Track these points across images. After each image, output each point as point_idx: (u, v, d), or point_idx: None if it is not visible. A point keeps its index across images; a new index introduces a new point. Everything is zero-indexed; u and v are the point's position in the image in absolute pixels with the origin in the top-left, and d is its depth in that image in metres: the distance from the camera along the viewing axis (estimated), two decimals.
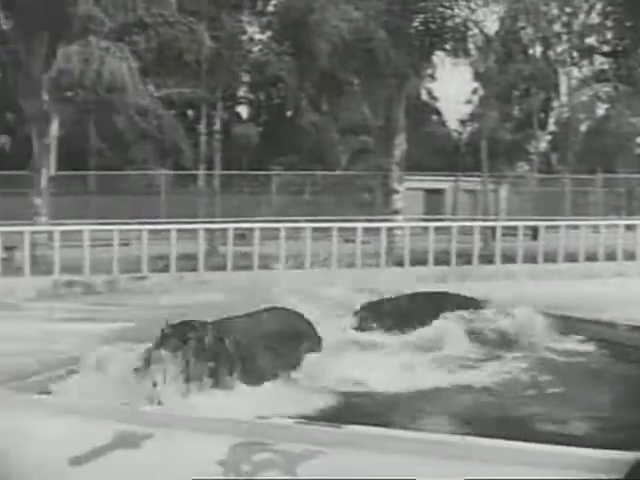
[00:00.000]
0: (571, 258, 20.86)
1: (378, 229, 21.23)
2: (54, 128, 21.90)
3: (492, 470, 5.82)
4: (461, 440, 6.57)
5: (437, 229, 21.72)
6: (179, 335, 7.48)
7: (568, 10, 32.63)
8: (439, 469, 5.88)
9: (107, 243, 18.95)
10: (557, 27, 33.24)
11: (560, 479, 5.74)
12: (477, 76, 35.12)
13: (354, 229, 20.49)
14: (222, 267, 19.09)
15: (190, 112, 33.25)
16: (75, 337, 11.80)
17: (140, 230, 19.35)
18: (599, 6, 31.46)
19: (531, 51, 34.68)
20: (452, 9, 24.59)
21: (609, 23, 28.01)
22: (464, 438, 6.67)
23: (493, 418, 6.14)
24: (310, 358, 6.86)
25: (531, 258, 20.89)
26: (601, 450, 6.29)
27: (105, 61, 19.91)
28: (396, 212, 25.45)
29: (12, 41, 20.61)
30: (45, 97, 20.86)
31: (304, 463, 6.06)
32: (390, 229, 22.49)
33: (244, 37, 28.64)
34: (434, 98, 44.62)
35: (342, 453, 6.19)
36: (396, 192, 25.69)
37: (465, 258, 20.60)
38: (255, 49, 28.19)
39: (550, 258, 20.82)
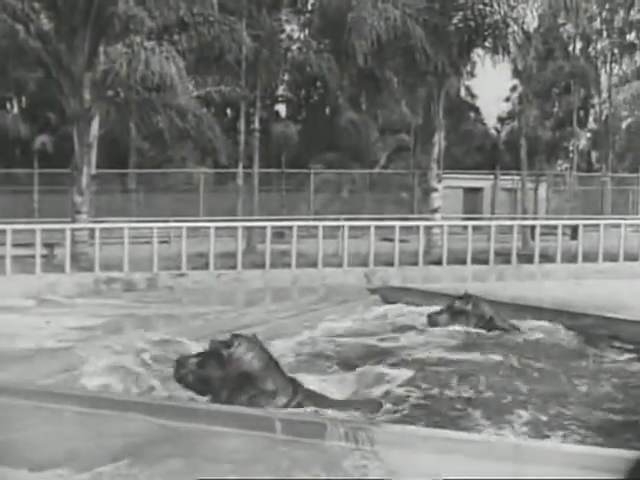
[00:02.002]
0: (610, 258, 20.67)
1: (417, 228, 21.19)
2: (95, 127, 22.10)
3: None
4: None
5: (476, 228, 21.65)
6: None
7: (608, 7, 32.32)
8: (477, 469, 5.97)
9: (147, 240, 19.10)
10: (597, 24, 32.94)
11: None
12: (516, 73, 34.94)
13: (392, 227, 20.47)
14: (260, 265, 19.15)
15: (229, 111, 33.42)
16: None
17: (179, 228, 19.46)
18: None
19: (571, 48, 34.42)
20: (491, 6, 24.42)
21: None
22: (507, 440, 6.79)
23: None
24: None
25: (570, 257, 20.75)
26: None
27: (151, 61, 20.00)
28: (434, 211, 25.36)
29: (54, 41, 20.80)
30: (87, 96, 21.05)
31: (344, 460, 6.16)
32: (429, 228, 22.45)
33: (283, 36, 28.68)
34: (473, 96, 44.47)
35: (379, 451, 6.29)
36: (435, 190, 25.59)
37: (504, 257, 20.50)
38: (294, 47, 28.18)
39: (589, 258, 20.65)
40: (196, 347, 9.42)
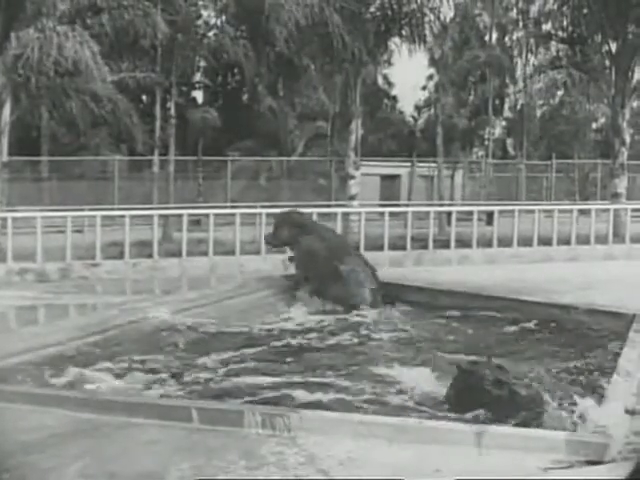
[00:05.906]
0: (525, 242, 20.99)
1: (334, 214, 21.20)
2: (6, 113, 21.56)
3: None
4: (417, 423, 6.68)
5: (393, 214, 21.78)
6: None
7: None
8: (393, 451, 5.96)
9: (60, 230, 18.69)
10: (513, 14, 33.36)
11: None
12: (433, 62, 35.21)
13: (310, 215, 20.43)
14: (177, 253, 18.93)
15: (145, 97, 32.96)
16: None
17: (94, 216, 19.10)
18: None
19: (487, 38, 34.83)
20: None
21: (566, 10, 28.07)
22: (421, 421, 6.79)
23: None
24: None
25: (486, 242, 21.01)
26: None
27: (65, 46, 19.60)
28: (352, 197, 25.47)
29: None
30: None
31: (261, 447, 6.10)
32: (346, 214, 22.49)
33: (199, 22, 28.41)
34: (390, 84, 44.69)
35: (297, 437, 6.25)
36: (352, 177, 25.70)
37: (421, 243, 20.65)
38: (210, 34, 27.93)
39: (505, 243, 20.94)
40: None
